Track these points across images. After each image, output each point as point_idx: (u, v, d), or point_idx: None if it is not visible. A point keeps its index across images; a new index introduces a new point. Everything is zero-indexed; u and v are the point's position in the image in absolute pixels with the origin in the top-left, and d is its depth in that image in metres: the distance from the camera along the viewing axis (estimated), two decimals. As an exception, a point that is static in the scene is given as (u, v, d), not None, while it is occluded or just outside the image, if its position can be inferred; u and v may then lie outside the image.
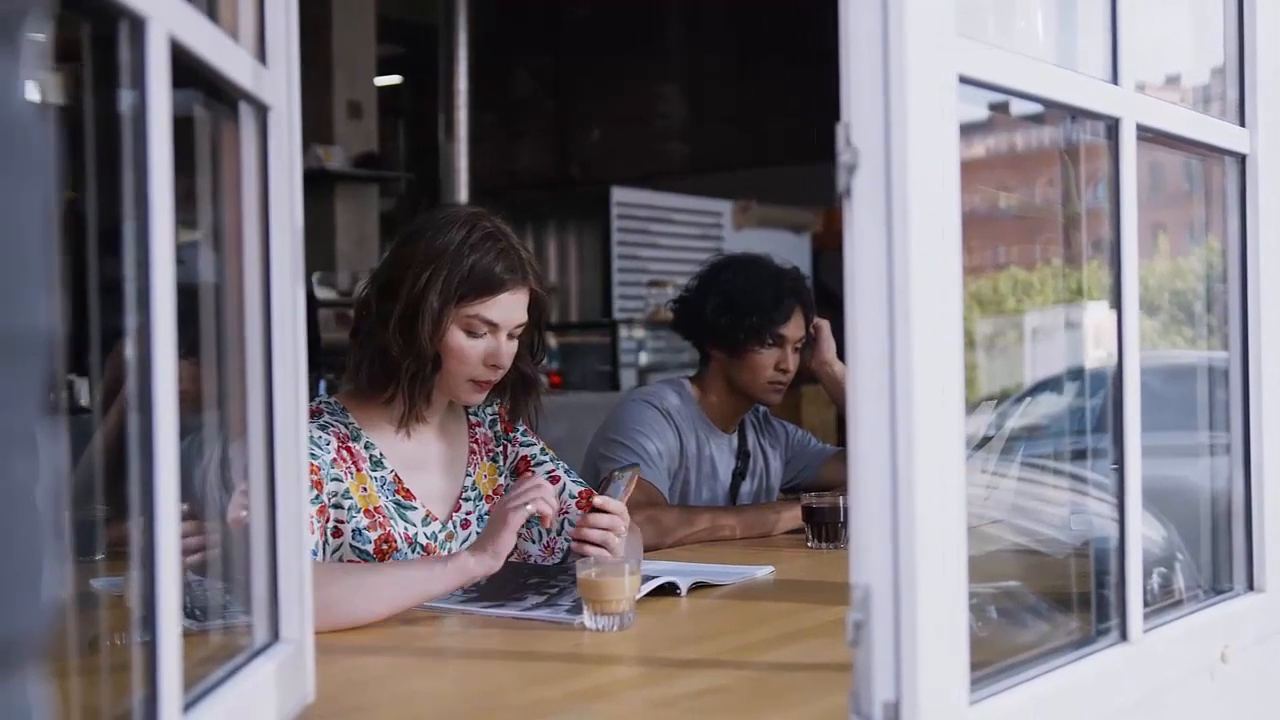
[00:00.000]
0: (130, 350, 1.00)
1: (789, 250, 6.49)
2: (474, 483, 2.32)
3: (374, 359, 2.17)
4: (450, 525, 2.25)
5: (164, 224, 1.01)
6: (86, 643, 1.26)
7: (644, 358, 7.54)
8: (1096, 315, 1.87)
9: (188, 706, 1.08)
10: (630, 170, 9.03)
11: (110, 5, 0.95)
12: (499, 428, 2.38)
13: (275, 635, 1.36)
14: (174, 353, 1.02)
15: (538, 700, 1.51)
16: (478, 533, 2.25)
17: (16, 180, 0.55)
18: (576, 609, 1.88)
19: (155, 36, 1.00)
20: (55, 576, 0.58)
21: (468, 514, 2.29)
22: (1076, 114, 1.55)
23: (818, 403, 6.59)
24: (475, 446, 2.35)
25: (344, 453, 2.15)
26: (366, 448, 2.20)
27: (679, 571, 2.15)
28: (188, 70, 1.10)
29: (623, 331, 7.49)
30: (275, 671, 1.30)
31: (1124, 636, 1.50)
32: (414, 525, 2.19)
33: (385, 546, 2.14)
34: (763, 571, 2.32)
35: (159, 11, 1.00)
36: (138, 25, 0.99)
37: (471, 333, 2.16)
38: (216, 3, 1.27)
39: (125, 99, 1.01)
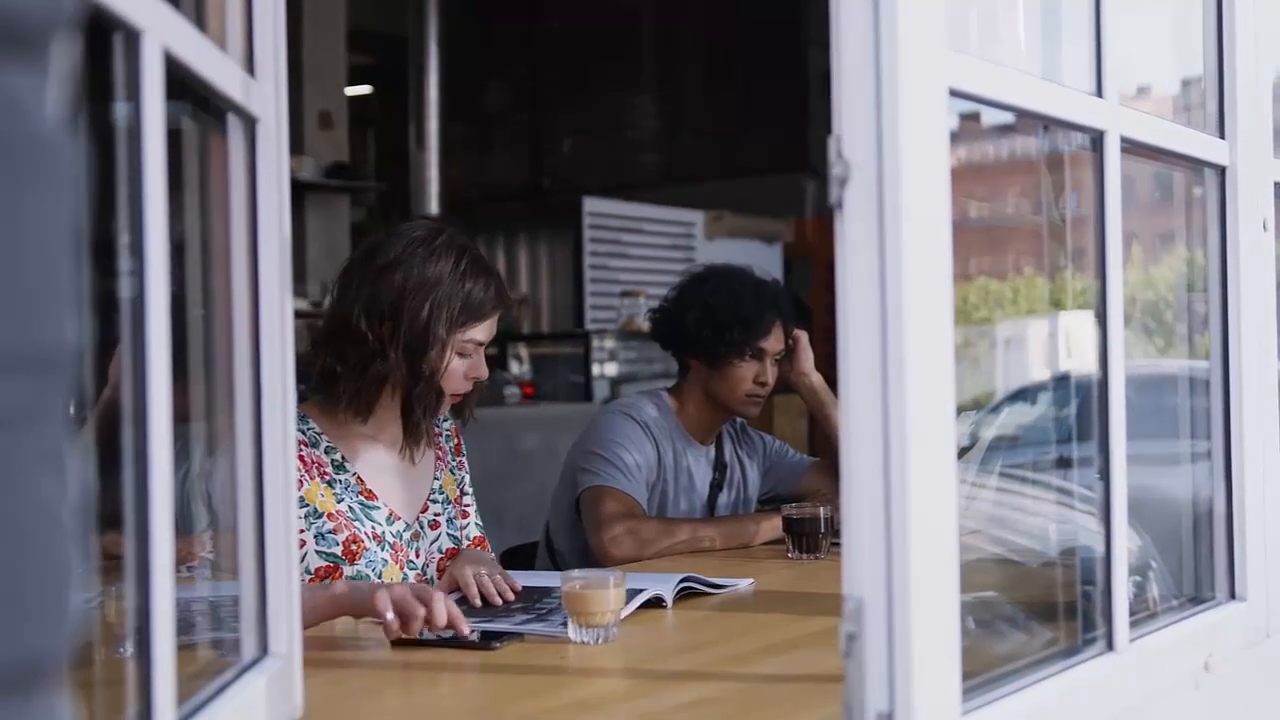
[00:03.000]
0: (125, 363, 0.99)
1: (760, 260, 6.49)
2: (441, 486, 2.39)
3: (374, 385, 2.21)
4: (417, 525, 2.31)
5: (158, 237, 1.00)
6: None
7: (617, 368, 7.53)
8: (1069, 325, 1.88)
9: (181, 723, 1.07)
10: (602, 181, 9.02)
11: (105, 17, 0.94)
12: (451, 445, 2.46)
13: (264, 650, 1.35)
14: (168, 365, 1.01)
15: (527, 714, 1.50)
16: (448, 534, 2.35)
17: (47, 196, 0.55)
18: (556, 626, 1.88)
19: (150, 49, 0.99)
20: (81, 593, 0.58)
21: (436, 515, 2.36)
22: (1062, 126, 1.56)
23: (790, 413, 6.60)
24: (440, 454, 2.42)
25: (298, 460, 2.16)
26: (327, 452, 2.24)
27: (663, 582, 2.15)
28: (176, 82, 1.09)
29: (595, 342, 7.47)
30: (265, 686, 1.30)
31: (1110, 646, 1.51)
32: (379, 524, 2.24)
33: (354, 547, 2.19)
34: (744, 584, 2.32)
35: (154, 24, 1.00)
36: (132, 37, 0.98)
37: (462, 354, 2.25)
38: (204, 14, 1.26)
39: (119, 110, 1.00)
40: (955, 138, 1.52)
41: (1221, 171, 1.82)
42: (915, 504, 1.15)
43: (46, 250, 0.55)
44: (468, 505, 2.46)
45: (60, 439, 0.56)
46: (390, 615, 1.77)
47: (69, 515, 0.56)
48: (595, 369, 7.42)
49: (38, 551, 0.54)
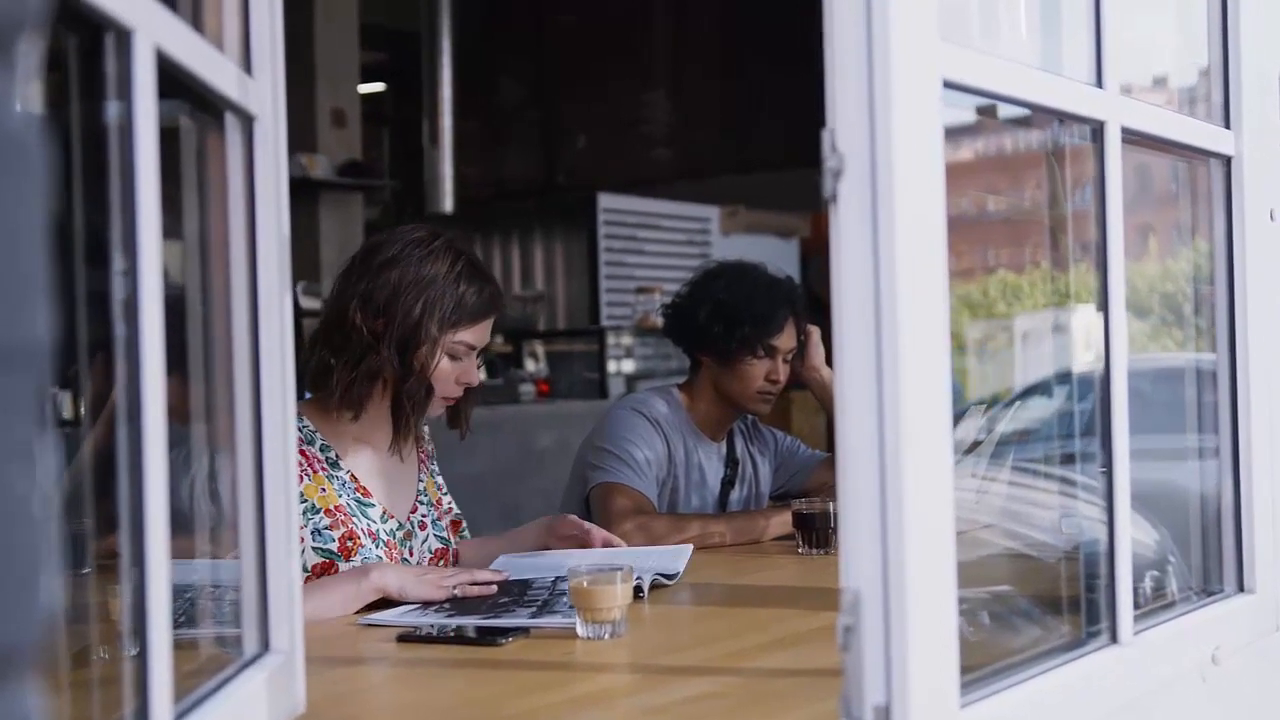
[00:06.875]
0: (119, 362, 1.00)
1: (776, 255, 6.50)
2: (424, 488, 2.43)
3: (366, 379, 2.24)
4: (409, 525, 2.35)
5: (151, 236, 1.01)
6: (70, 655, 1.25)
7: (632, 365, 7.53)
8: (1085, 318, 1.87)
9: (179, 717, 1.08)
10: (617, 177, 9.01)
11: (97, 16, 0.95)
12: (431, 450, 2.50)
13: (265, 646, 1.36)
14: (162, 364, 1.01)
15: (532, 709, 1.50)
16: (435, 535, 2.40)
17: (15, 192, 0.55)
18: (572, 614, 1.88)
19: (141, 48, 1.00)
20: (52, 587, 0.59)
21: (423, 517, 2.40)
22: (1061, 117, 1.55)
23: (807, 409, 6.60)
24: (423, 457, 2.46)
25: (298, 456, 2.18)
26: (322, 450, 2.27)
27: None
28: (172, 80, 1.10)
29: (610, 339, 7.47)
30: (266, 682, 1.30)
31: (1114, 638, 1.50)
32: (374, 521, 2.27)
33: (350, 544, 2.22)
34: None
35: (145, 23, 1.00)
36: (124, 36, 0.99)
37: (453, 356, 2.28)
38: (201, 12, 1.27)
39: (111, 110, 1.01)
40: (972, 131, 1.52)
41: (1227, 161, 1.81)
42: (911, 495, 1.15)
43: (16, 245, 0.56)
44: (450, 502, 2.50)
45: (31, 432, 0.57)
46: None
47: (39, 508, 0.57)
48: (611, 366, 7.42)
49: (8, 543, 0.55)
